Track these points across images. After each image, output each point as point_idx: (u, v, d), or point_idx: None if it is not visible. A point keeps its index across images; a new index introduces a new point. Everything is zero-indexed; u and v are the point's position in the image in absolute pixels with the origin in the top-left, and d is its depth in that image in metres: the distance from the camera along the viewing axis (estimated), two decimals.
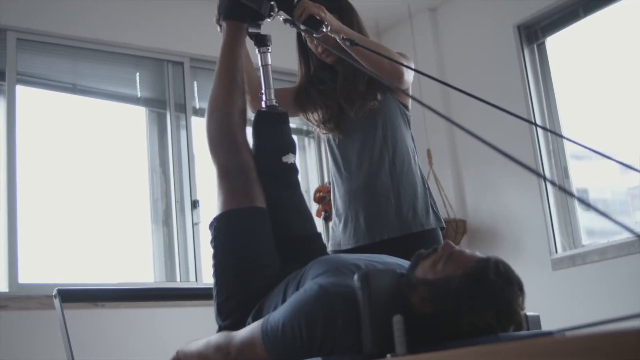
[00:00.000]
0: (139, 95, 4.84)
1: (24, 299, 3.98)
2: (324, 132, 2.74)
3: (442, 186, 5.07)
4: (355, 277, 1.62)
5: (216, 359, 1.93)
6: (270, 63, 2.43)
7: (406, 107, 2.72)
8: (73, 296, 2.58)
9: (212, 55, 4.89)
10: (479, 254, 1.67)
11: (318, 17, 2.34)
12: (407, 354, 1.49)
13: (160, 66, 4.92)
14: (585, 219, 4.66)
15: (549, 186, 4.70)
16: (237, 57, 2.37)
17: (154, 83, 4.91)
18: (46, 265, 4.30)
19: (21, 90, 4.40)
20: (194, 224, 4.71)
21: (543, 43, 4.93)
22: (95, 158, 4.61)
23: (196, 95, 5.02)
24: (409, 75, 2.59)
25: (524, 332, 1.63)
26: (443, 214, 4.97)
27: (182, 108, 4.91)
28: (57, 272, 4.30)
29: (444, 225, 2.65)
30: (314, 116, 2.74)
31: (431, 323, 1.60)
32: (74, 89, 4.62)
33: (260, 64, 2.44)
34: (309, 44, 2.67)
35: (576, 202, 4.67)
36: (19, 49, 4.40)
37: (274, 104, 2.40)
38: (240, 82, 2.34)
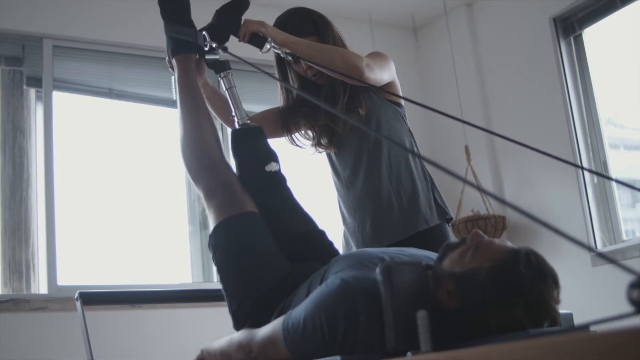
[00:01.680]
0: (174, 98, 4.89)
1: (62, 301, 4.05)
2: (320, 150, 2.73)
3: (481, 182, 5.02)
4: (377, 270, 1.55)
5: (238, 357, 1.89)
6: (234, 85, 2.45)
7: (397, 105, 2.69)
8: (94, 299, 2.61)
9: (247, 56, 4.99)
10: (509, 244, 1.57)
11: (261, 34, 2.42)
12: (431, 352, 1.40)
13: None
14: (625, 213, 4.57)
15: (588, 181, 4.62)
16: (194, 87, 2.42)
17: None
18: (84, 267, 4.37)
19: (58, 96, 4.49)
20: None
21: (580, 35, 4.83)
22: (132, 161, 4.68)
23: None
24: (381, 71, 2.54)
25: (558, 328, 1.52)
26: (482, 210, 4.94)
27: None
28: (95, 274, 4.36)
29: (451, 215, 2.63)
30: (306, 136, 2.73)
31: (458, 319, 1.53)
32: (110, 93, 4.70)
33: (224, 88, 2.47)
34: (295, 68, 2.65)
35: (616, 197, 4.58)
36: (55, 56, 4.49)
37: (247, 122, 2.41)
38: (204, 108, 2.40)
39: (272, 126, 2.69)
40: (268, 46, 2.41)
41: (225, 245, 2.13)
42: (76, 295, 2.55)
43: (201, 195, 2.26)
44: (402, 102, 2.71)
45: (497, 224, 4.87)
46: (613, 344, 0.82)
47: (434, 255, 1.79)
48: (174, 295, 3.15)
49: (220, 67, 2.45)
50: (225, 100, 2.54)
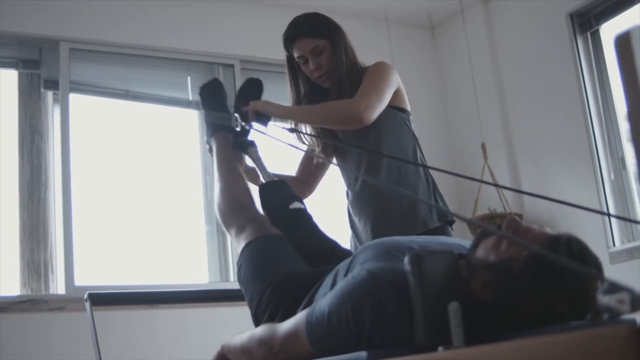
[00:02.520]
0: (190, 98, 4.92)
1: (79, 301, 4.05)
2: (325, 156, 2.79)
3: (498, 180, 4.99)
4: (406, 259, 1.46)
5: (260, 352, 1.83)
6: (259, 157, 2.72)
7: (401, 110, 2.70)
8: (103, 300, 2.65)
9: (262, 56, 5.05)
10: (549, 230, 1.47)
11: (263, 113, 2.64)
12: (464, 346, 1.31)
13: (211, 69, 4.99)
14: None
15: (606, 178, 4.58)
16: (229, 156, 2.65)
17: None
18: (102, 268, 4.41)
19: (75, 99, 4.53)
20: None
21: (597, 31, 4.79)
22: (149, 162, 4.72)
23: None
24: (381, 101, 2.57)
25: (602, 321, 1.32)
26: (499, 209, 4.91)
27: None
28: (113, 275, 4.40)
29: (452, 218, 2.61)
30: (312, 142, 2.81)
31: (493, 311, 1.44)
32: (126, 95, 4.73)
33: (252, 160, 2.73)
34: (303, 69, 2.72)
35: (635, 194, 4.53)
36: (71, 59, 4.53)
37: (273, 179, 2.65)
38: (237, 172, 2.60)
39: (310, 162, 2.86)
40: (272, 121, 2.69)
41: (249, 257, 2.20)
42: (85, 296, 2.58)
43: (233, 238, 2.39)
44: (408, 107, 2.72)
45: None
46: None
47: (467, 244, 1.69)
48: (183, 295, 3.18)
49: (244, 147, 2.72)
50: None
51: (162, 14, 4.82)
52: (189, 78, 4.93)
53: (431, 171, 2.66)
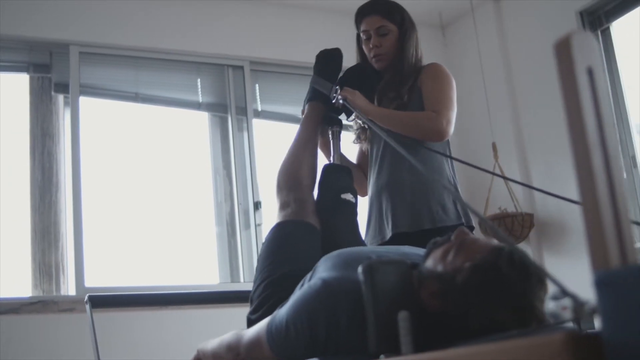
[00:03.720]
0: (200, 100, 4.95)
1: None
2: (362, 142, 2.87)
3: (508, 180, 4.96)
4: (359, 270, 1.49)
5: (228, 357, 1.93)
6: (339, 140, 2.76)
7: None
8: (103, 302, 2.68)
9: (272, 58, 5.06)
10: (495, 242, 1.49)
11: (352, 105, 2.61)
12: (410, 354, 1.34)
13: (221, 71, 5.02)
14: None
15: None
16: (312, 128, 2.67)
17: (215, 88, 5.02)
18: (114, 269, 4.45)
19: (85, 102, 4.57)
20: (256, 225, 4.78)
21: (608, 28, 4.74)
22: (159, 163, 4.75)
23: (258, 97, 5.09)
24: (454, 111, 2.65)
25: (542, 329, 1.38)
26: (510, 208, 4.88)
27: (243, 111, 4.99)
28: (123, 276, 4.44)
29: (464, 222, 2.60)
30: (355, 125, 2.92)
31: (440, 320, 1.46)
32: (136, 97, 4.77)
33: (331, 137, 2.75)
34: (364, 45, 2.79)
35: None
36: (81, 62, 4.58)
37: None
38: (312, 147, 2.61)
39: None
40: (353, 116, 2.74)
41: (272, 239, 2.28)
42: (85, 298, 2.62)
43: (276, 208, 2.44)
44: None
45: (525, 222, 4.81)
46: (592, 345, 0.82)
47: None
48: (183, 297, 3.20)
49: (330, 122, 2.75)
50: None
51: (171, 16, 4.85)
52: (198, 80, 4.96)
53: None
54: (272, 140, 4.99)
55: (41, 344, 3.98)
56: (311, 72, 2.81)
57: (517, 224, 4.79)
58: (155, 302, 3.22)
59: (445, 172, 2.67)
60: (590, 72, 0.90)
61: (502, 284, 1.40)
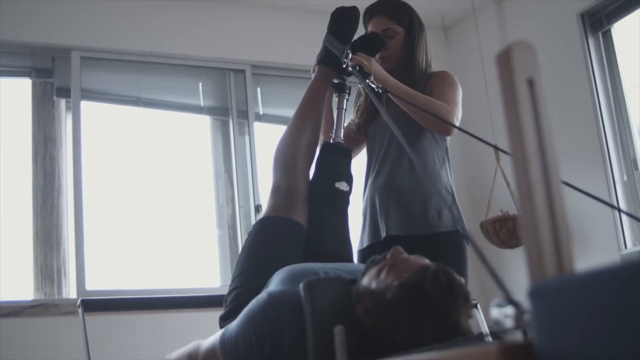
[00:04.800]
0: (202, 104, 4.98)
1: None
2: (354, 130, 2.83)
3: (510, 183, 4.95)
4: (300, 286, 1.61)
5: None
6: (345, 108, 2.64)
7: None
8: (95, 306, 2.71)
9: (273, 61, 5.07)
10: (425, 262, 1.59)
11: (365, 68, 2.49)
12: None
13: (222, 75, 5.04)
14: None
15: (618, 179, 4.52)
16: (319, 97, 2.57)
17: (217, 92, 5.04)
18: (115, 272, 4.48)
19: (87, 106, 4.61)
20: None
21: (608, 30, 4.73)
22: (161, 167, 4.77)
23: (259, 101, 5.11)
24: (459, 116, 2.64)
25: (466, 341, 1.49)
26: (512, 210, 4.87)
27: (244, 115, 5.01)
28: (125, 279, 4.46)
29: (458, 228, 2.58)
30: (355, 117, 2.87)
31: (372, 334, 1.56)
32: (138, 101, 4.80)
33: (337, 107, 2.64)
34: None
35: None
36: (83, 67, 4.61)
37: (340, 141, 2.58)
38: (315, 118, 2.52)
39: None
40: (368, 81, 2.52)
41: (256, 236, 2.28)
42: (78, 302, 2.64)
43: (270, 185, 2.42)
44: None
45: None
46: (526, 356, 0.83)
47: None
48: (177, 301, 3.22)
49: (340, 88, 2.64)
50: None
51: (172, 20, 4.87)
52: (200, 84, 4.98)
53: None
54: (274, 144, 4.99)
55: (42, 347, 4.01)
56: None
57: (518, 226, 4.77)
58: (148, 306, 3.24)
59: (443, 179, 2.66)
60: (530, 83, 0.90)
61: (427, 302, 1.50)
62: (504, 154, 4.91)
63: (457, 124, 2.57)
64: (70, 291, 4.33)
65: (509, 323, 0.93)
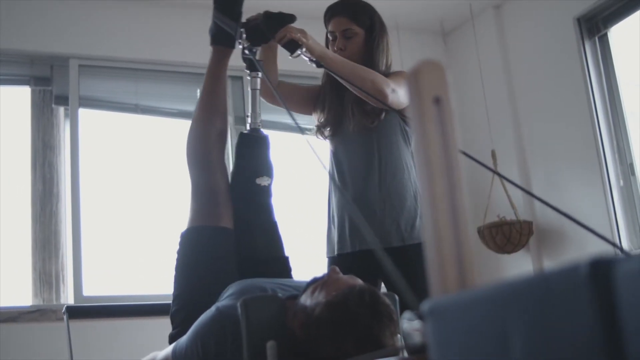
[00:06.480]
0: None
1: None
2: (320, 136, 2.79)
3: (508, 188, 4.95)
4: (237, 304, 1.70)
5: None
6: (258, 88, 2.56)
7: (408, 123, 2.71)
8: (80, 313, 2.76)
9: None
10: (354, 281, 1.67)
11: (298, 42, 2.44)
12: None
13: None
14: None
15: (614, 184, 4.51)
16: (219, 79, 2.53)
17: None
18: (111, 278, 4.51)
19: (86, 114, 4.66)
20: None
21: (605, 35, 4.71)
22: (159, 174, 4.80)
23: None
24: (404, 96, 2.57)
25: (380, 354, 1.56)
26: (509, 216, 4.87)
27: (242, 121, 5.03)
28: (122, 285, 4.50)
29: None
30: (318, 118, 2.82)
31: (304, 349, 1.64)
32: (136, 108, 4.84)
33: (250, 88, 2.58)
34: (330, 45, 2.76)
35: None
36: (81, 75, 4.66)
37: (257, 127, 2.51)
38: (221, 103, 2.45)
39: (299, 101, 2.83)
40: (299, 52, 2.46)
41: (188, 252, 2.28)
42: (63, 309, 2.68)
43: (189, 187, 2.38)
44: None
45: (523, 230, 4.79)
46: None
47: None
48: (168, 308, 3.24)
49: (253, 66, 2.55)
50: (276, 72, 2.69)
51: (169, 28, 4.91)
52: (198, 91, 5.00)
53: None
54: (272, 150, 5.01)
55: (40, 352, 4.05)
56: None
57: (515, 232, 4.77)
58: (133, 313, 3.28)
59: (412, 185, 2.66)
60: (438, 102, 0.92)
61: (349, 320, 1.59)
62: (503, 159, 4.91)
63: (395, 94, 2.53)
64: (68, 297, 4.38)
65: (417, 337, 0.95)
